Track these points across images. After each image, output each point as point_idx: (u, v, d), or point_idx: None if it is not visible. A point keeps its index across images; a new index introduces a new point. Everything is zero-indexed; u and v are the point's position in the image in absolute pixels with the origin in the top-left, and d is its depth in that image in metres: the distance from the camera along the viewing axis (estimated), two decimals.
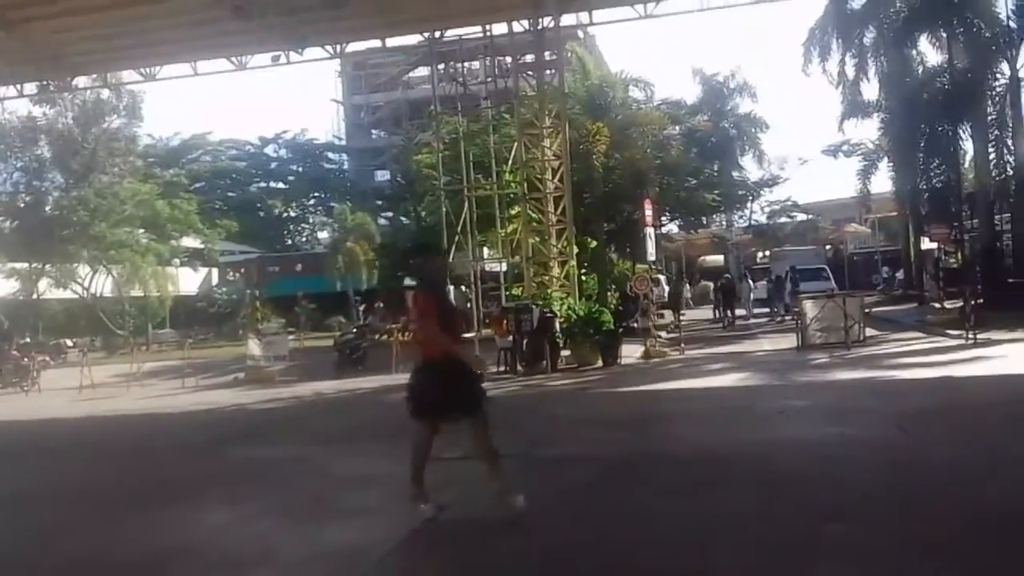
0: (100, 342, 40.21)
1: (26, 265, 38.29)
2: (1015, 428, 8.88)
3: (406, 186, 42.56)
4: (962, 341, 17.78)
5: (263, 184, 69.52)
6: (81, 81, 29.38)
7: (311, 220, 69.75)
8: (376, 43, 26.19)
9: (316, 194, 69.12)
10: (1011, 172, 24.27)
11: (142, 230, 42.02)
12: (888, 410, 10.48)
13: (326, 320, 41.52)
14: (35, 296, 38.67)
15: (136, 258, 40.64)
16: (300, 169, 69.64)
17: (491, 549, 6.10)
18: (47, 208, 39.31)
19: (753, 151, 41.22)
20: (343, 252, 47.35)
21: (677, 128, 34.78)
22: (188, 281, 48.53)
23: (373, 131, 71.86)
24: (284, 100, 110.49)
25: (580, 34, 35.44)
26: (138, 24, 21.23)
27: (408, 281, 46.52)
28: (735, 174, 40.86)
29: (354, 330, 23.38)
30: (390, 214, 54.37)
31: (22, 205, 39.30)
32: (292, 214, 69.88)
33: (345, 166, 72.37)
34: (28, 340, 31.01)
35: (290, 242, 67.24)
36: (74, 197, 38.81)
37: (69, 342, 38.46)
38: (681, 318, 26.04)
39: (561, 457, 9.22)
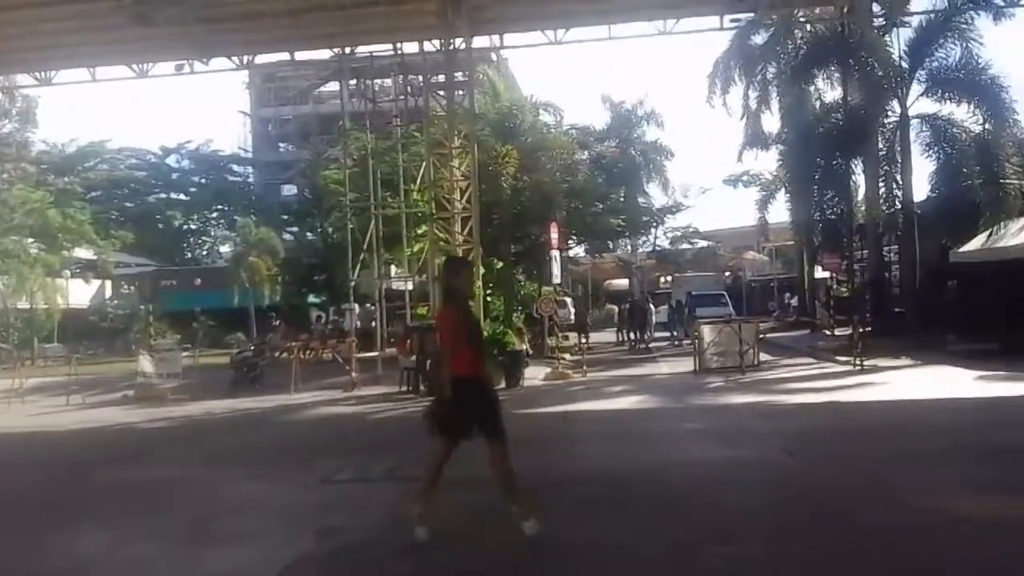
0: None
1: None
2: (893, 452, 9.25)
3: (313, 201, 41.86)
4: (850, 367, 18.52)
5: (163, 195, 67.23)
6: None
7: (213, 233, 67.83)
8: (285, 56, 25.77)
9: (219, 207, 67.23)
10: (899, 206, 25.42)
11: (31, 239, 40.05)
12: (776, 433, 10.80)
13: (225, 337, 40.36)
14: None
15: (23, 268, 38.66)
16: (203, 180, 67.68)
17: (380, 567, 6.00)
18: None
19: (658, 178, 42.22)
20: (245, 267, 46.15)
21: (585, 153, 35.32)
22: (80, 294, 46.37)
23: (281, 144, 70.76)
24: (188, 110, 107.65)
25: (493, 56, 35.70)
26: (33, 26, 20.44)
27: (312, 298, 45.94)
28: (641, 200, 41.67)
29: (251, 347, 22.77)
30: (295, 229, 53.30)
31: None
32: (193, 227, 67.80)
33: (251, 179, 70.81)
34: None
35: (190, 255, 65.17)
36: None
37: None
38: (584, 341, 26.39)
39: (461, 478, 9.11)
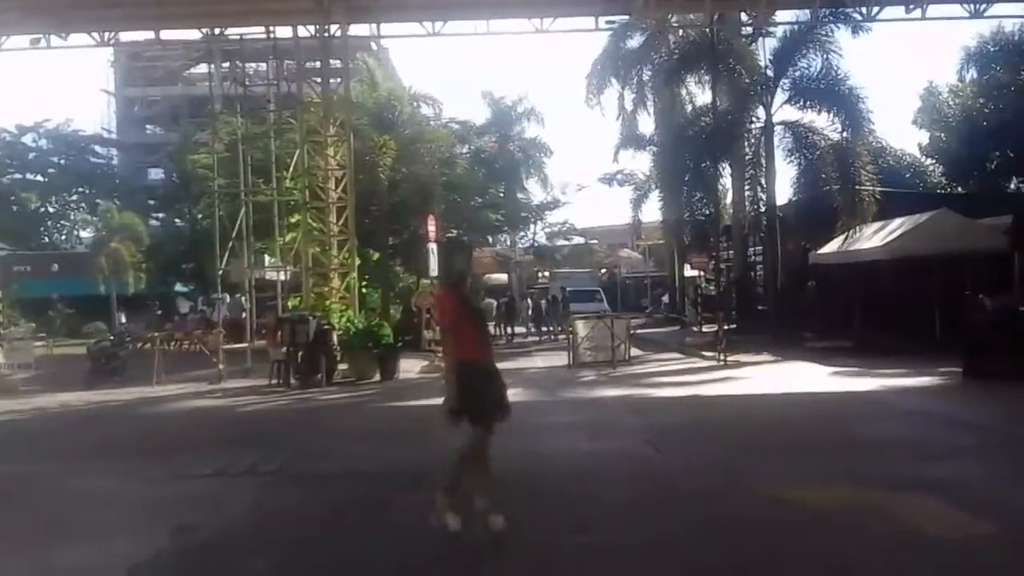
0: None
1: None
2: (750, 444, 9.65)
3: (181, 186, 40.22)
4: (714, 363, 19.26)
5: (18, 176, 63.12)
6: None
7: (73, 217, 64.25)
8: (151, 34, 24.60)
9: (80, 189, 63.57)
10: (763, 208, 26.51)
11: None
12: (642, 426, 11.10)
13: (84, 326, 38.34)
14: None
15: None
16: (62, 162, 63.83)
17: (234, 572, 5.82)
18: None
19: (537, 175, 42.71)
20: (107, 253, 43.97)
21: (465, 147, 35.35)
22: None
23: (148, 126, 67.83)
24: (47, 87, 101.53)
25: (373, 46, 35.21)
26: None
27: (180, 287, 44.20)
28: (520, 196, 42.06)
29: (111, 337, 21.65)
30: (162, 215, 51.11)
31: None
32: (51, 210, 64.02)
33: (115, 161, 67.46)
34: None
35: (47, 240, 61.57)
36: None
37: None
38: None
39: (326, 472, 9.00)
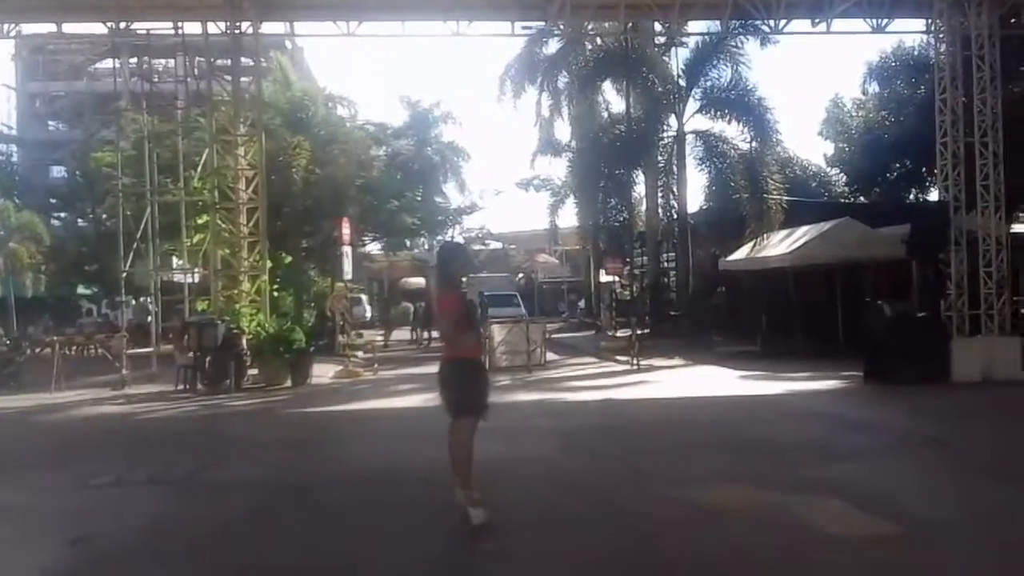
0: None
1: None
2: (659, 446, 9.81)
3: (85, 185, 38.62)
4: (628, 367, 19.51)
5: None
6: None
7: None
8: (50, 27, 23.61)
9: None
10: (675, 216, 27.09)
11: None
12: (554, 430, 11.14)
13: None
14: None
15: None
16: None
17: None
18: None
19: (455, 179, 42.60)
20: (5, 254, 42.04)
21: (382, 150, 35.00)
22: None
23: (50, 122, 65.29)
24: None
25: (287, 44, 34.64)
26: None
27: (82, 289, 42.54)
28: (438, 199, 41.87)
29: (7, 342, 20.69)
30: (64, 215, 49.14)
31: None
32: None
33: (14, 158, 64.65)
34: None
35: None
36: None
37: None
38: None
39: (229, 481, 8.75)
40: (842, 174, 37.82)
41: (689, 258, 27.18)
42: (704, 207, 26.89)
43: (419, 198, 38.25)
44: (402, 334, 33.84)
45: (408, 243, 46.28)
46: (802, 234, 22.37)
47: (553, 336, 24.11)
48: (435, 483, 8.02)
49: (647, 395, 15.02)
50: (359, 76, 70.87)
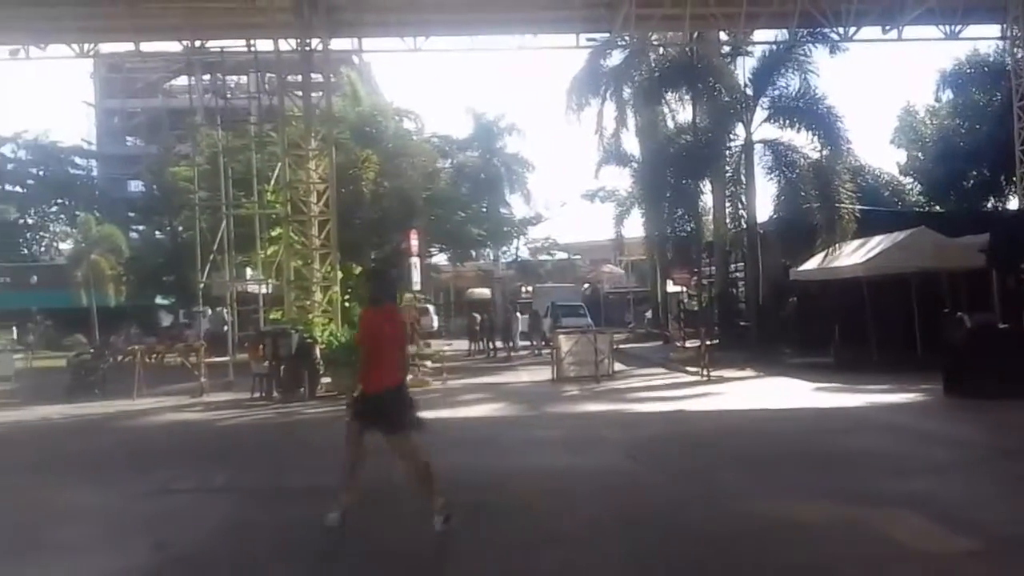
0: None
1: None
2: (731, 459, 9.69)
3: (161, 198, 39.96)
4: (697, 378, 19.29)
5: None
6: None
7: (52, 229, 63.81)
8: (128, 46, 24.54)
9: (59, 201, 63.27)
10: (744, 225, 26.69)
11: None
12: (624, 440, 11.10)
13: (64, 338, 38.01)
14: None
15: None
16: (41, 173, 63.54)
17: None
18: None
19: (520, 190, 42.91)
20: (87, 265, 43.65)
21: (448, 162, 35.44)
22: None
23: (128, 138, 67.52)
24: (26, 98, 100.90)
25: (355, 60, 35.29)
26: None
27: (161, 300, 43.88)
28: (503, 211, 42.24)
29: (91, 350, 21.48)
30: (142, 227, 50.84)
31: None
32: (29, 221, 63.56)
33: (94, 173, 67.12)
34: None
35: (26, 251, 61.07)
36: None
37: None
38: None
39: (305, 488, 8.91)
40: (916, 183, 36.93)
41: (759, 268, 26.75)
42: (773, 216, 26.44)
43: (484, 209, 38.63)
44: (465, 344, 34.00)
45: (473, 254, 46.72)
46: (876, 243, 21.87)
47: (620, 347, 23.95)
48: (507, 490, 8.11)
49: (718, 406, 14.84)
50: (424, 89, 72.13)
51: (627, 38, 27.73)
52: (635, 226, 38.12)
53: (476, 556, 6.18)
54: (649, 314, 40.81)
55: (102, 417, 16.08)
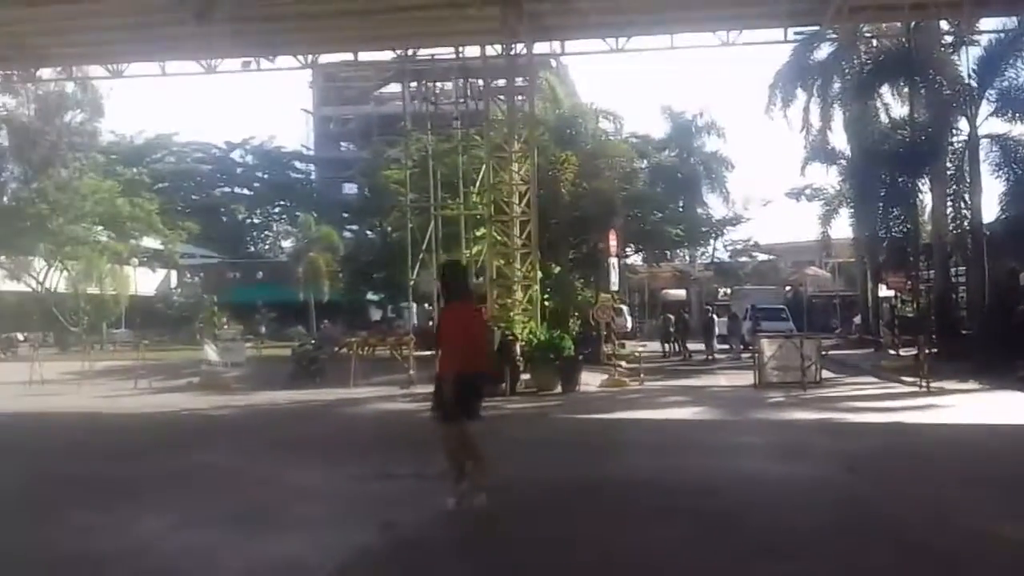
0: (52, 338, 39.39)
1: None
2: (957, 476, 9.06)
3: (373, 200, 42.36)
4: (915, 388, 18.07)
5: (227, 189, 68.97)
6: (45, 73, 28.60)
7: (275, 228, 69.28)
8: (348, 56, 26.13)
9: (281, 202, 68.71)
10: (967, 227, 24.83)
11: (101, 227, 41.28)
12: (838, 451, 10.62)
13: (285, 329, 41.18)
14: None
15: (93, 255, 39.94)
16: (266, 176, 69.21)
17: (440, 569, 6.06)
18: (4, 199, 38.41)
19: (718, 189, 41.96)
20: (305, 262, 47.06)
21: (645, 162, 35.21)
22: (146, 281, 47.81)
23: (342, 143, 71.86)
24: (253, 106, 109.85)
25: (552, 63, 35.79)
26: (104, 20, 20.90)
27: (371, 295, 46.56)
28: (700, 211, 41.46)
29: (312, 341, 23.20)
30: (355, 227, 54.08)
31: None
32: (256, 221, 69.39)
33: (312, 176, 72.14)
34: None
35: (252, 249, 66.70)
36: (33, 189, 37.99)
37: (20, 336, 37.71)
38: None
39: (516, 479, 9.17)
40: None
41: (984, 272, 24.73)
42: (1001, 217, 24.40)
43: (681, 209, 38.09)
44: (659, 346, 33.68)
45: (668, 254, 46.19)
46: None
47: (827, 353, 22.89)
48: (717, 496, 7.98)
49: (941, 420, 13.85)
50: (618, 87, 71.89)
51: (836, 31, 26.51)
52: (843, 226, 36.35)
53: (685, 563, 6.11)
54: (858, 319, 38.73)
55: (321, 404, 17.31)
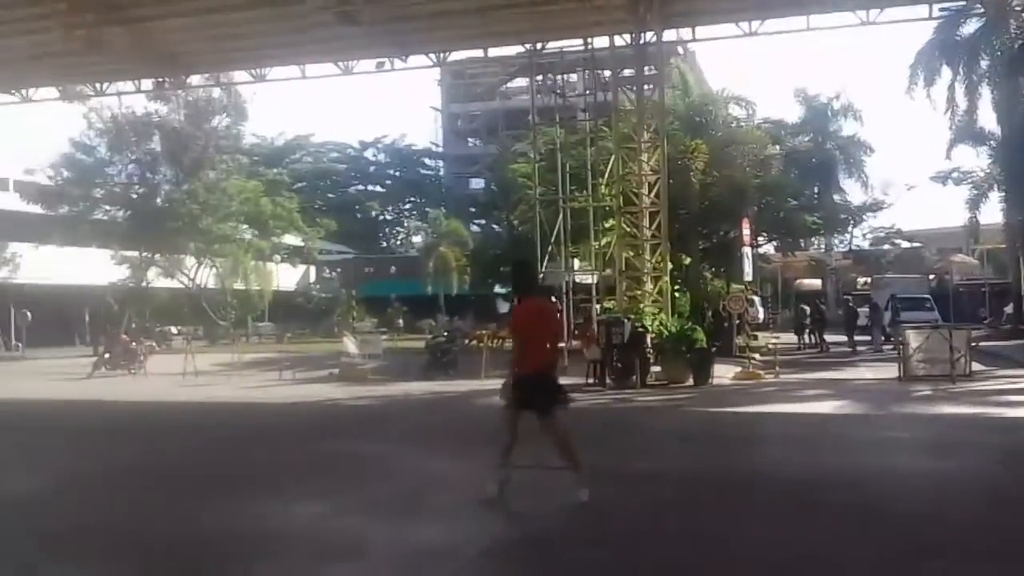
0: (203, 331, 41.77)
1: (136, 254, 39.90)
2: None
3: (499, 195, 42.88)
4: None
5: (361, 186, 71.34)
6: (195, 80, 30.03)
7: (406, 224, 71.19)
8: (476, 52, 26.47)
9: (412, 199, 70.55)
10: None
11: (246, 226, 43.48)
12: (992, 447, 10.11)
13: (417, 322, 42.28)
14: (144, 284, 40.24)
15: (239, 252, 42.14)
16: (397, 173, 71.20)
17: (569, 558, 6.15)
18: (158, 200, 40.89)
19: (856, 175, 40.30)
20: (435, 257, 48.15)
21: (778, 148, 34.18)
22: (287, 277, 50.09)
23: (469, 139, 72.93)
24: (384, 105, 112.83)
25: (680, 50, 35.19)
26: (249, 27, 21.83)
27: (498, 288, 47.17)
28: (837, 197, 39.96)
29: (445, 333, 23.75)
30: (482, 221, 54.91)
31: (135, 196, 40.82)
32: (388, 217, 71.53)
33: (441, 172, 73.65)
34: (136, 325, 32.44)
35: (385, 244, 68.79)
36: (184, 191, 40.30)
37: (174, 329, 40.31)
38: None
39: (649, 472, 9.16)
40: None
41: None
42: None
43: (816, 196, 36.82)
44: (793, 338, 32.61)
45: (803, 243, 44.66)
46: None
47: (978, 345, 21.60)
48: (865, 491, 7.73)
49: None
50: (748, 71, 69.80)
51: (984, 5, 25.03)
52: (992, 211, 34.26)
53: (834, 560, 5.94)
54: (1009, 309, 36.43)
55: (456, 395, 17.71)
